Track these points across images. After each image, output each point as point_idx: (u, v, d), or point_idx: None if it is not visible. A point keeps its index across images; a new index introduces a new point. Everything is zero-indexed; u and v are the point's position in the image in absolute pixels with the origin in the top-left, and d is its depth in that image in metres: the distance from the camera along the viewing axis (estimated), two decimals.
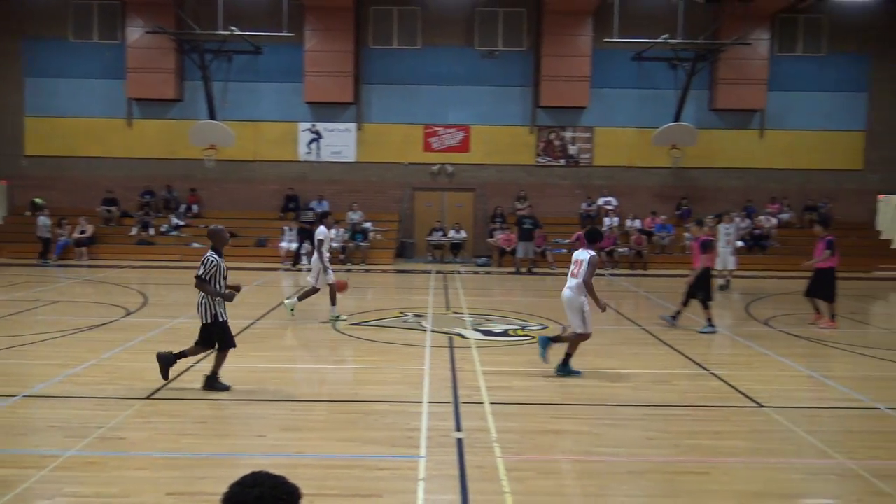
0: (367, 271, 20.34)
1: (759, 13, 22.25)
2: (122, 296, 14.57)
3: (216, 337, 7.61)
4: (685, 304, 11.91)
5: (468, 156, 23.88)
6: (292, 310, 11.99)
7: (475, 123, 23.76)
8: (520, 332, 11.32)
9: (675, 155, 22.64)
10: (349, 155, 23.86)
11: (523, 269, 20.31)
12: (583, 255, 8.62)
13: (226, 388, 7.57)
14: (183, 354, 7.69)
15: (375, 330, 11.37)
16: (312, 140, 23.79)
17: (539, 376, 8.55)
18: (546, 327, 11.73)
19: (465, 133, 23.82)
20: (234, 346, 7.73)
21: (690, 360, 9.53)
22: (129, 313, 12.40)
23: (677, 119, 22.60)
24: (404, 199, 24.10)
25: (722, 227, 16.66)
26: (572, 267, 8.72)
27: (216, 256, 7.54)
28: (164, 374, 7.63)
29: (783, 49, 23.68)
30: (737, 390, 8.00)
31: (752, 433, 6.63)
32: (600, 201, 23.45)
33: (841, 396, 7.90)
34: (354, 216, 22.47)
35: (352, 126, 23.78)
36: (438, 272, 19.81)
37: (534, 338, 10.84)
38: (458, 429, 6.49)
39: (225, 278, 7.58)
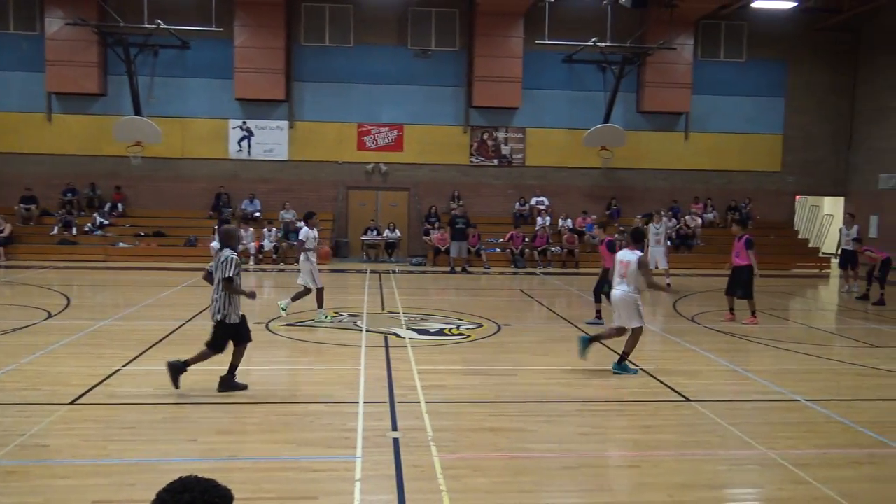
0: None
1: (683, 19, 22.95)
2: (43, 297, 13.99)
3: (231, 336, 7.52)
4: (599, 301, 12.25)
5: (402, 155, 23.87)
6: (284, 309, 11.95)
7: (409, 123, 23.76)
8: (455, 331, 11.37)
9: (605, 156, 23.15)
10: (281, 153, 23.52)
11: (458, 269, 20.42)
12: (629, 255, 8.85)
13: (243, 387, 7.54)
14: (198, 357, 7.49)
15: (310, 330, 11.25)
16: (243, 138, 23.35)
17: (474, 374, 8.63)
18: (481, 325, 11.83)
19: (398, 132, 23.79)
20: (250, 339, 7.70)
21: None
22: (50, 316, 11.92)
23: (607, 121, 23.11)
24: (338, 198, 23.91)
25: (652, 227, 17.11)
26: (619, 268, 8.90)
27: (235, 255, 7.54)
28: (176, 384, 7.34)
29: (706, 54, 24.50)
30: (665, 385, 8.24)
31: (680, 426, 6.84)
32: (533, 201, 23.78)
33: (762, 389, 8.23)
34: (287, 215, 22.16)
35: (284, 124, 23.45)
36: (373, 272, 19.73)
37: (469, 336, 10.93)
38: (395, 428, 6.48)
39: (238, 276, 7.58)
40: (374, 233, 22.82)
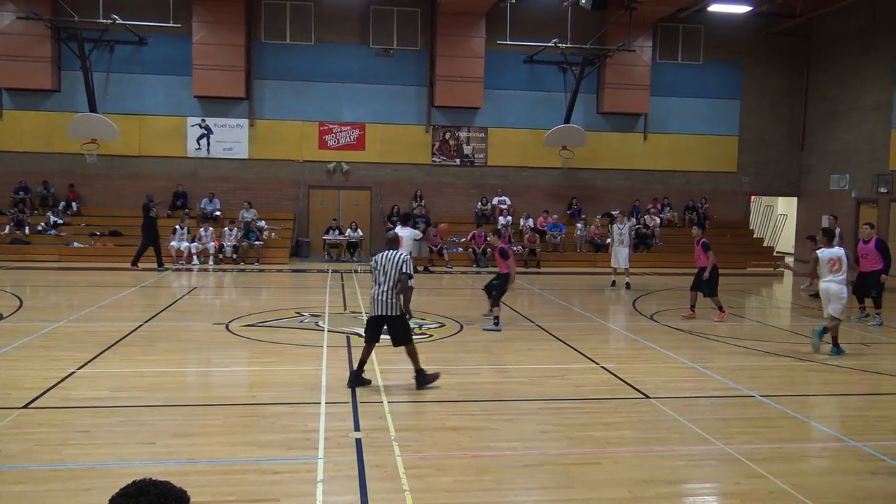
0: (261, 271, 19.88)
1: (642, 21, 23.26)
2: None
3: (406, 328, 7.95)
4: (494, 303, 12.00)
5: (364, 154, 23.77)
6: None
7: (371, 122, 23.68)
8: (417, 331, 11.35)
9: (566, 156, 23.37)
10: (241, 152, 23.24)
11: (419, 268, 20.41)
12: (838, 252, 10.04)
13: (432, 378, 7.95)
14: (419, 367, 7.91)
15: (270, 331, 11.14)
16: (202, 136, 23.01)
17: None
18: (443, 325, 11.84)
19: (360, 131, 23.69)
20: (410, 340, 8.03)
21: (582, 354, 9.86)
22: (2, 318, 11.60)
23: (567, 121, 23.34)
24: (299, 198, 23.72)
25: (615, 228, 17.36)
26: (833, 265, 9.93)
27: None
28: (361, 384, 7.81)
29: (664, 56, 24.87)
30: (625, 382, 8.35)
31: (640, 423, 6.94)
32: (494, 200, 23.89)
33: (719, 386, 8.40)
34: (248, 214, 21.91)
35: (244, 122, 23.17)
36: (335, 271, 19.62)
37: (432, 336, 10.94)
38: (357, 429, 6.46)
39: None
40: (336, 232, 22.70)
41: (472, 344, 10.56)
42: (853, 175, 23.48)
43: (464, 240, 22.63)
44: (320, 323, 11.80)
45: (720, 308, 12.92)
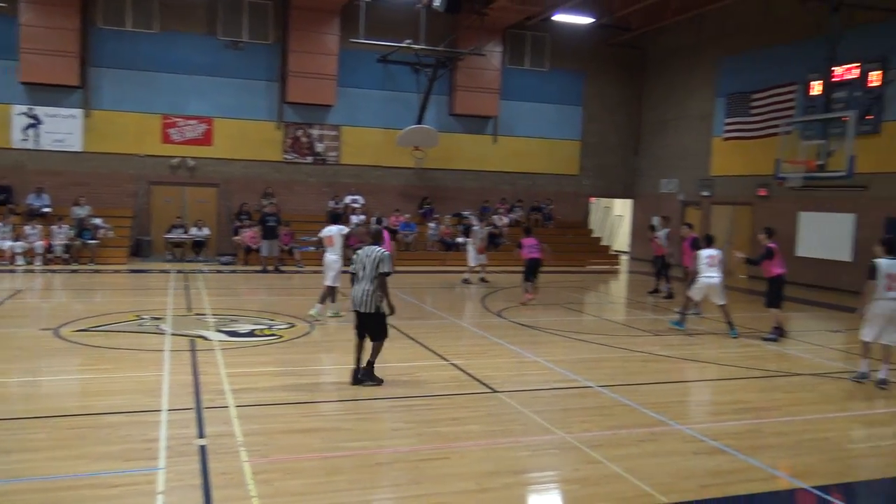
0: (96, 271, 18.62)
1: (492, 27, 23.97)
2: None
3: (382, 326, 8.14)
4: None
5: (211, 150, 22.86)
6: (329, 314, 12.30)
7: (218, 116, 22.82)
8: (266, 332, 11.11)
9: (418, 156, 23.65)
10: (74, 144, 21.65)
11: (270, 268, 19.94)
12: (714, 251, 11.92)
13: (379, 382, 8.08)
14: (373, 361, 8.11)
15: (107, 335, 10.47)
16: (30, 125, 21.21)
17: (287, 375, 8.49)
18: (294, 325, 11.64)
19: (207, 126, 22.77)
20: (387, 335, 8.28)
21: (432, 351, 10.04)
22: None
23: (420, 122, 23.62)
24: (140, 194, 22.44)
25: (477, 229, 18.96)
26: (711, 261, 11.22)
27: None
28: (376, 381, 8.07)
29: (513, 62, 25.77)
30: (473, 378, 8.60)
31: (487, 417, 7.18)
32: (347, 199, 23.75)
33: (561, 378, 8.84)
34: (81, 211, 20.44)
35: (78, 112, 21.60)
36: (179, 272, 18.74)
37: (282, 336, 10.72)
38: (201, 435, 6.23)
39: None
40: (181, 231, 21.68)
41: (322, 344, 10.47)
42: (681, 179, 25.41)
43: (315, 238, 22.29)
44: (162, 326, 11.24)
45: (525, 290, 14.85)
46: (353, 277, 8.27)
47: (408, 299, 15.47)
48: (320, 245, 12.80)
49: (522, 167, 26.24)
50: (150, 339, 10.31)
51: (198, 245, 21.72)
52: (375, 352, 8.17)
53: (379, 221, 15.85)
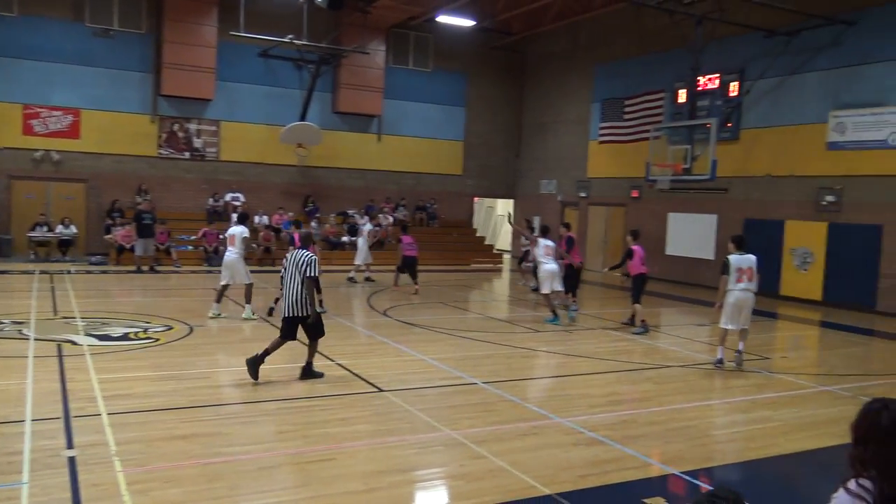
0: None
1: (376, 25, 23.93)
2: None
3: (311, 329, 8.27)
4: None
5: (78, 143, 21.56)
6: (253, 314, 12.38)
7: (87, 108, 21.55)
8: (142, 335, 10.62)
9: (302, 153, 23.28)
10: None
11: (145, 268, 19.04)
12: (549, 241, 13.19)
13: (321, 375, 8.33)
14: (267, 352, 8.16)
15: None
16: None
17: (164, 380, 8.15)
18: (171, 328, 11.19)
19: (74, 117, 21.45)
20: (323, 334, 8.48)
21: (318, 351, 9.90)
22: None
23: (303, 119, 23.26)
24: None
25: (371, 227, 19.25)
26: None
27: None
28: (255, 375, 7.98)
29: (397, 61, 25.83)
30: (360, 377, 8.57)
31: (374, 416, 7.18)
32: (227, 197, 23.05)
33: (446, 375, 8.96)
34: None
35: None
36: (43, 272, 17.55)
37: (159, 340, 10.27)
38: (70, 446, 5.88)
39: None
40: (45, 229, 20.31)
41: (203, 346, 10.12)
42: (559, 180, 26.31)
43: (194, 237, 21.53)
44: (25, 331, 10.51)
45: (395, 283, 16.87)
46: (281, 280, 8.52)
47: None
48: (228, 244, 12.77)
49: (407, 166, 26.35)
50: (12, 344, 9.62)
51: (64, 244, 20.42)
52: (311, 352, 8.40)
53: (298, 225, 15.98)
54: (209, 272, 19.70)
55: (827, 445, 6.78)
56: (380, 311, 13.96)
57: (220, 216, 22.47)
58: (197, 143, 23.10)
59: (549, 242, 13.47)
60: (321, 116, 24.31)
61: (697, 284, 20.20)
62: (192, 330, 11.15)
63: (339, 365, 9.16)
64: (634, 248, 12.97)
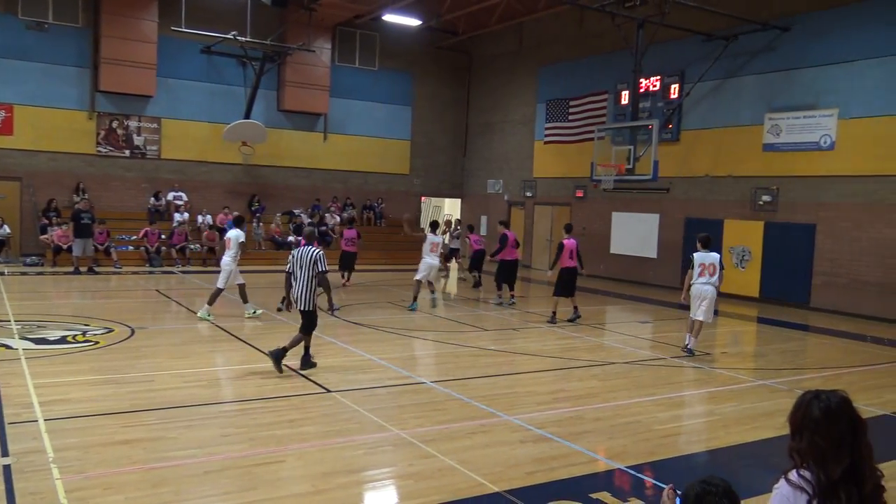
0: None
1: (321, 23, 23.72)
2: None
3: (313, 321, 8.85)
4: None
5: (12, 140, 20.77)
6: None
7: (20, 103, 20.78)
8: (80, 338, 10.32)
9: (246, 152, 22.93)
10: None
11: (83, 269, 18.48)
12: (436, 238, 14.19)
13: (315, 365, 8.88)
14: (305, 347, 8.82)
15: None
16: None
17: (105, 384, 7.93)
18: (112, 330, 10.90)
19: (7, 113, 20.67)
20: (315, 327, 9.02)
21: (264, 353, 9.77)
22: None
23: (248, 116, 22.91)
24: None
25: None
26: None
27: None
28: (279, 368, 8.53)
29: (343, 60, 25.65)
30: (308, 379, 8.49)
31: (322, 417, 7.13)
32: (169, 196, 22.55)
33: (395, 375, 8.95)
34: None
35: None
36: None
37: (98, 343, 10.00)
38: (5, 454, 5.68)
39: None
40: None
41: (144, 349, 9.88)
42: (506, 180, 26.52)
43: (134, 238, 21.00)
44: None
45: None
46: (291, 276, 8.89)
47: (237, 300, 14.97)
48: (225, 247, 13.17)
49: (354, 166, 26.20)
50: None
51: None
52: (295, 342, 8.78)
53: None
54: (151, 273, 19.27)
55: (765, 437, 7.00)
56: (326, 312, 13.84)
57: (161, 216, 21.98)
58: (137, 140, 22.53)
59: (437, 239, 15.00)
60: (266, 114, 23.98)
61: (641, 282, 20.62)
62: (133, 332, 10.89)
63: (287, 366, 9.05)
64: (565, 241, 13.70)
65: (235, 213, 17.10)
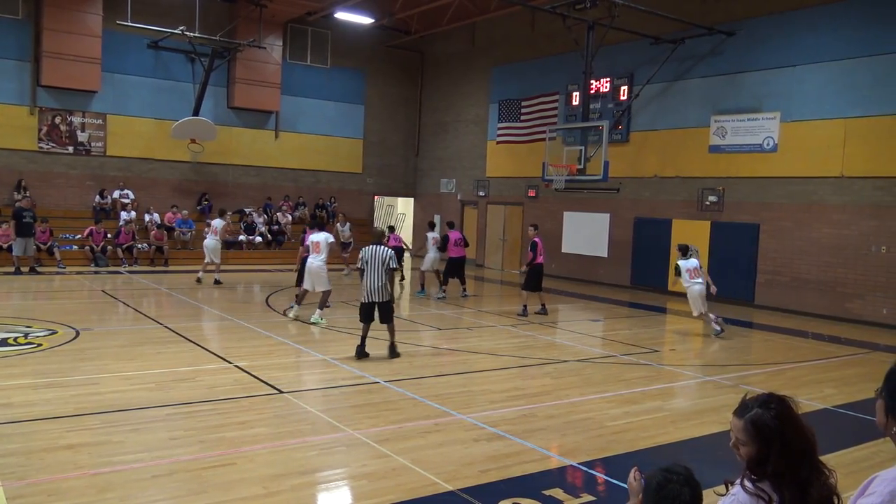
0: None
1: (272, 19, 23.43)
2: None
3: (387, 313, 9.78)
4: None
5: None
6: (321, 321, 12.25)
7: None
8: (22, 340, 10.00)
9: (195, 149, 22.54)
10: None
11: (24, 269, 17.91)
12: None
13: (399, 355, 9.83)
14: (392, 341, 9.86)
15: None
16: None
17: (48, 387, 7.71)
18: (55, 332, 10.59)
19: None
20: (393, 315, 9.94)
21: (214, 354, 9.65)
22: None
23: (196, 113, 22.50)
24: None
25: (217, 223, 17.54)
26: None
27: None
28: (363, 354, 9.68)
29: (294, 57, 25.38)
30: (259, 380, 8.39)
31: (274, 419, 7.05)
32: (115, 194, 22.02)
33: (348, 375, 8.90)
34: None
35: None
36: None
37: (41, 345, 9.70)
38: None
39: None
40: None
41: (90, 351, 9.63)
42: (459, 180, 26.59)
43: (79, 237, 20.44)
44: None
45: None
46: (361, 273, 9.68)
47: (186, 300, 14.71)
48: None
49: (305, 164, 25.96)
50: None
51: None
52: (392, 333, 9.87)
53: (392, 229, 18.75)
54: (96, 273, 18.78)
55: (711, 433, 7.18)
56: (278, 312, 13.70)
57: (107, 214, 21.44)
58: (81, 136, 21.92)
59: (435, 234, 17.66)
60: (215, 111, 23.59)
61: (592, 281, 20.90)
62: (78, 334, 10.60)
63: (238, 367, 8.94)
64: (536, 239, 14.65)
65: (316, 215, 16.97)
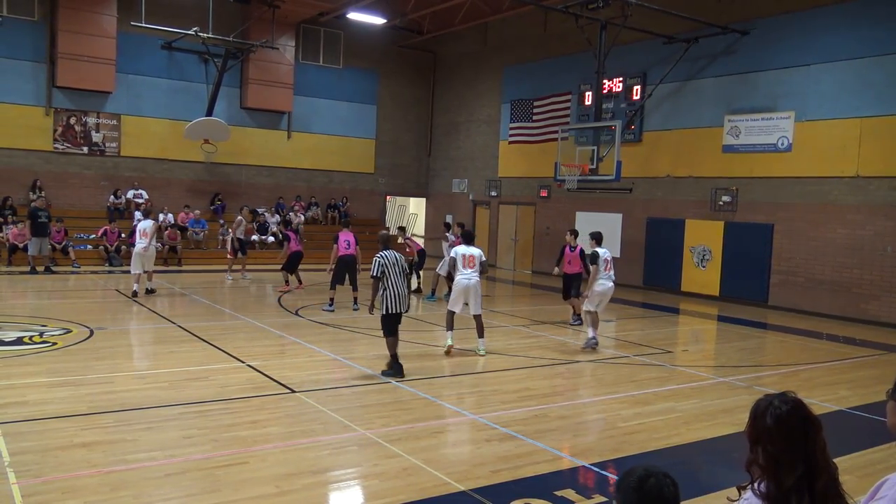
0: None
1: (285, 20, 23.51)
2: None
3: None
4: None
5: None
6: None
7: None
8: (37, 339, 10.09)
9: (208, 150, 22.64)
10: None
11: (40, 268, 18.06)
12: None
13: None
14: (395, 356, 8.92)
15: None
16: None
17: (62, 386, 7.77)
18: (70, 331, 10.67)
19: None
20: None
21: (227, 353, 9.68)
22: None
23: (210, 114, 22.61)
24: None
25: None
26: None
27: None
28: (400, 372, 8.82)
29: (307, 57, 25.45)
30: (272, 379, 8.42)
31: (286, 418, 7.07)
32: (129, 194, 22.16)
33: (360, 375, 8.91)
34: None
35: None
36: None
37: (56, 344, 9.78)
38: None
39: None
40: None
41: (104, 350, 9.69)
42: (471, 180, 26.57)
43: (93, 236, 20.59)
44: None
45: (286, 281, 16.84)
46: (376, 282, 8.91)
47: (199, 300, 14.78)
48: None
49: (318, 164, 26.02)
50: None
51: None
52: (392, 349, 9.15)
53: (403, 230, 18.26)
54: (110, 272, 18.91)
55: (724, 434, 7.13)
56: (291, 311, 13.74)
57: (121, 214, 21.58)
58: (96, 137, 22.08)
59: (453, 237, 15.79)
60: (228, 112, 23.69)
61: None
62: (92, 333, 10.67)
63: (250, 366, 8.97)
64: (577, 246, 13.83)
65: (464, 226, 15.34)
